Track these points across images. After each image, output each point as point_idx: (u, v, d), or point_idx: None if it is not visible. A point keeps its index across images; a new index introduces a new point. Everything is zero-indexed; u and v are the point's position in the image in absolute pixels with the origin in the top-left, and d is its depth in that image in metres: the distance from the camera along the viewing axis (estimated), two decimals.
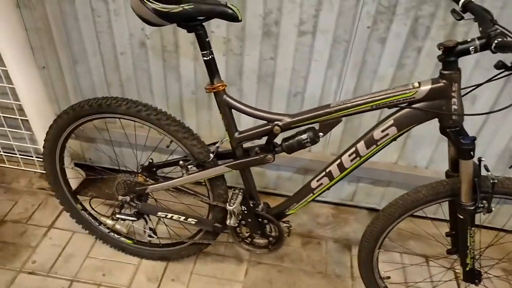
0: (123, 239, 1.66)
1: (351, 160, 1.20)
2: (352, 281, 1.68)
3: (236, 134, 1.26)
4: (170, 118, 1.31)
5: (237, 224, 1.32)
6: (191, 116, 1.76)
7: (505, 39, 0.90)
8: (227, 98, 1.20)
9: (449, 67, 1.00)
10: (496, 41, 0.90)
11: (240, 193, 1.30)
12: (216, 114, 1.70)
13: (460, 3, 1.05)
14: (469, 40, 0.96)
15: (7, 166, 2.05)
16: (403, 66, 1.46)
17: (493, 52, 0.93)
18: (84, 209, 1.65)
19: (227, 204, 1.28)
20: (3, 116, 1.85)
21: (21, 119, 1.82)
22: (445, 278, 1.62)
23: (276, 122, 1.19)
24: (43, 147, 1.49)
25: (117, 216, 1.48)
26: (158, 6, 1.04)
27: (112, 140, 1.78)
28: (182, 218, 1.44)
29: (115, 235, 1.66)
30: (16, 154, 1.99)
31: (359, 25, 1.38)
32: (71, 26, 1.55)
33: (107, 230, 1.66)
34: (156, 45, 1.56)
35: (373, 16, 1.35)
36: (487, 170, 1.11)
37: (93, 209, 1.63)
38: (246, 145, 1.30)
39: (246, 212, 1.33)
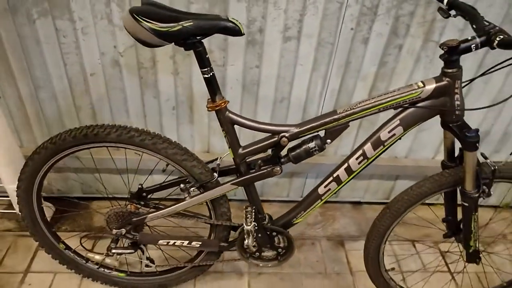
0: (114, 273, 1.54)
1: (359, 163, 1.21)
2: (352, 277, 1.71)
3: (240, 150, 1.21)
4: (167, 141, 1.23)
5: (254, 243, 1.28)
6: (172, 132, 1.67)
7: (506, 36, 0.95)
8: (230, 115, 1.15)
9: (451, 65, 1.04)
10: (498, 39, 0.94)
11: (253, 210, 1.26)
12: (198, 128, 1.65)
13: (445, 1, 1.09)
14: (469, 38, 1.00)
15: None
16: (385, 64, 1.50)
17: (493, 49, 0.98)
18: (68, 247, 1.50)
19: (244, 224, 1.23)
20: None
21: None
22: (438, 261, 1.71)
23: (283, 134, 1.17)
24: (17, 187, 1.32)
25: (113, 251, 1.36)
26: (156, 25, 0.96)
27: (87, 167, 1.63)
28: (186, 242, 1.37)
29: (105, 270, 1.54)
30: None
31: (343, 27, 1.39)
32: (32, 50, 1.40)
33: (96, 266, 1.53)
34: (131, 62, 1.45)
35: (357, 18, 1.37)
36: (485, 157, 1.18)
37: (84, 247, 1.48)
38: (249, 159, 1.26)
39: (256, 228, 1.30)
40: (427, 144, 1.78)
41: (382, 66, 1.50)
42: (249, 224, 1.23)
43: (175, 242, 1.37)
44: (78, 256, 1.52)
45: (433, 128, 1.69)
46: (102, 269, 1.54)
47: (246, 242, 1.25)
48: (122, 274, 1.54)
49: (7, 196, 1.76)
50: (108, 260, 1.52)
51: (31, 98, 1.53)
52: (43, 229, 1.43)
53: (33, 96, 1.52)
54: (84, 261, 1.52)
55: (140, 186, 1.38)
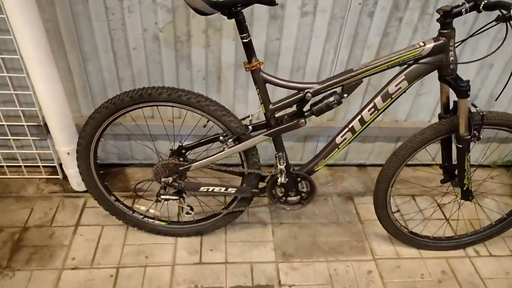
0: (157, 222, 1.77)
1: (370, 114, 1.45)
2: (361, 224, 1.95)
3: (271, 106, 1.44)
4: (208, 99, 1.45)
5: (286, 181, 1.51)
6: None
7: (489, 0, 1.19)
8: (263, 75, 1.38)
9: (446, 27, 1.28)
10: (483, 3, 1.18)
11: (284, 155, 1.49)
12: (225, 96, 1.88)
13: None
14: (460, 4, 1.24)
15: (9, 177, 2.01)
16: (387, 35, 1.73)
17: (479, 12, 1.22)
18: (117, 199, 1.72)
19: (278, 164, 1.46)
20: (7, 125, 1.83)
21: (27, 125, 1.82)
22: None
23: (307, 90, 1.40)
24: (77, 145, 1.54)
25: (162, 197, 1.58)
26: None
27: (132, 133, 1.85)
28: (223, 189, 1.60)
29: (149, 219, 1.76)
30: (19, 163, 1.98)
31: (352, 2, 1.62)
32: (83, 25, 1.60)
33: (141, 217, 1.75)
34: (169, 37, 1.67)
35: None
36: (475, 106, 1.43)
37: (137, 194, 1.69)
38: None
39: (285, 172, 1.53)
40: (424, 107, 2.02)
41: (385, 37, 1.74)
42: (282, 164, 1.46)
43: (214, 189, 1.59)
44: (126, 207, 1.74)
45: (430, 93, 1.95)
46: (146, 219, 1.76)
47: (279, 180, 1.48)
48: (163, 223, 1.77)
49: (51, 164, 1.99)
50: (152, 211, 1.74)
51: (79, 70, 1.73)
52: (97, 183, 1.65)
53: (81, 68, 1.73)
54: (131, 212, 1.75)
55: (180, 144, 1.61)
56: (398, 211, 1.73)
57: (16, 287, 1.56)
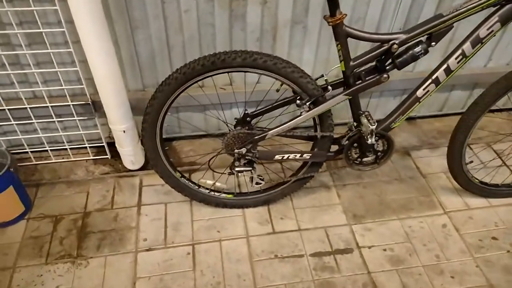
0: (224, 195, 1.70)
1: (458, 62, 1.37)
2: (424, 178, 1.91)
3: (351, 62, 1.34)
4: (285, 61, 1.35)
5: (375, 142, 1.44)
6: None
7: None
8: (347, 28, 1.27)
9: None
10: None
11: (369, 113, 1.41)
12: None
13: None
14: None
15: (55, 161, 1.91)
16: None
17: None
18: (183, 176, 1.64)
19: (369, 125, 1.38)
20: (51, 106, 1.70)
21: (73, 104, 1.70)
22: None
23: (392, 41, 1.30)
24: (143, 122, 1.44)
25: (237, 169, 1.51)
26: None
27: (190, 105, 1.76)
28: (298, 155, 1.52)
29: (216, 193, 1.70)
30: (64, 146, 1.87)
31: None
32: None
33: (207, 191, 1.68)
34: None
35: None
36: None
37: (211, 168, 1.62)
38: None
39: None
40: (479, 53, 1.93)
41: None
42: (373, 124, 1.38)
43: (289, 156, 1.52)
44: (192, 183, 1.66)
45: None
46: (213, 193, 1.69)
47: (369, 141, 1.41)
48: (230, 196, 1.71)
49: (99, 143, 1.89)
50: (219, 184, 1.67)
51: (127, 41, 1.60)
52: (162, 160, 1.56)
53: (129, 38, 1.59)
54: (197, 187, 1.67)
55: (246, 112, 1.51)
56: (471, 162, 1.68)
57: (94, 275, 1.51)
